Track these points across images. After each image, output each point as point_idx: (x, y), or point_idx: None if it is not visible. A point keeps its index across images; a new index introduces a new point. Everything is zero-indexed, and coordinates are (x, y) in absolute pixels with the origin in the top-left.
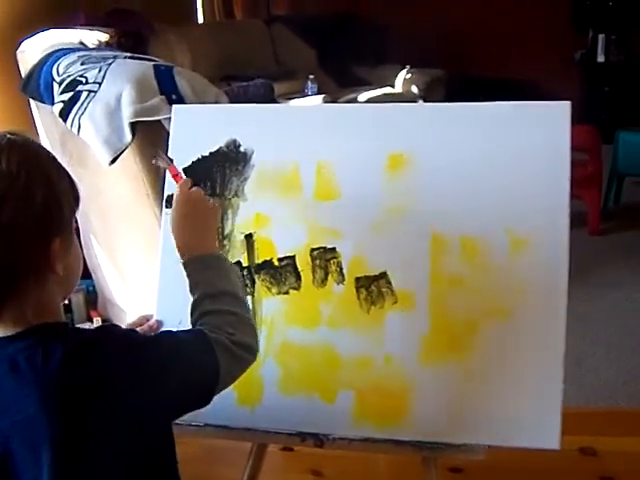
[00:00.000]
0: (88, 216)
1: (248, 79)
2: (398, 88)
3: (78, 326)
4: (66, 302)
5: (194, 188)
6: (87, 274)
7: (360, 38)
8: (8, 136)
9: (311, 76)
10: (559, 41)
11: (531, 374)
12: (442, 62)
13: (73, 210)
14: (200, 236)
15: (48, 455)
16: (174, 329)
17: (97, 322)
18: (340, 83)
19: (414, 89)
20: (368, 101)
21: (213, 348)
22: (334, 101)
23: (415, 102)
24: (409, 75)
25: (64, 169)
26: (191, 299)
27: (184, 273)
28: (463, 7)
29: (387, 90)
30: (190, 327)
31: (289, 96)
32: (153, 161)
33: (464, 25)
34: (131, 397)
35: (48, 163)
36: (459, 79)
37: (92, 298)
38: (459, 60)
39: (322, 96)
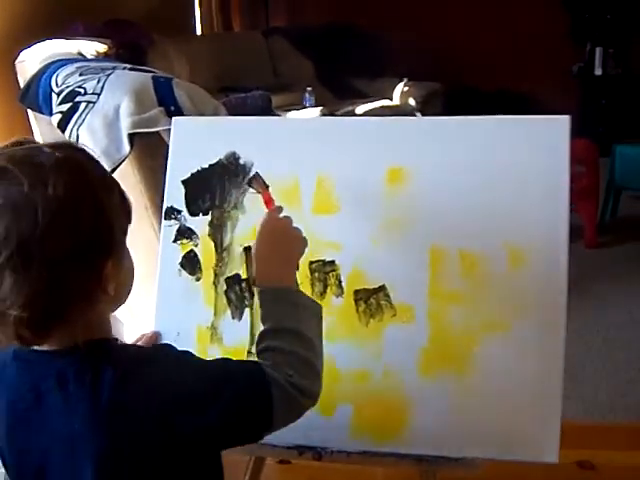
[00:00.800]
0: None
1: (246, 91)
2: (396, 101)
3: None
4: None
5: (282, 216)
6: None
7: (358, 50)
8: (56, 155)
9: (309, 88)
10: (557, 54)
11: (530, 388)
12: (440, 75)
13: (124, 227)
14: (280, 267)
15: (90, 471)
16: (172, 342)
17: None
18: (338, 95)
19: (412, 102)
20: (366, 114)
21: (269, 387)
22: (332, 113)
23: (413, 115)
24: (407, 88)
25: (115, 183)
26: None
27: (256, 302)
28: (461, 20)
29: (385, 103)
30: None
31: (287, 108)
32: (246, 183)
33: (462, 38)
34: (177, 420)
35: (96, 181)
36: (457, 92)
37: None
38: (457, 73)
39: (320, 108)
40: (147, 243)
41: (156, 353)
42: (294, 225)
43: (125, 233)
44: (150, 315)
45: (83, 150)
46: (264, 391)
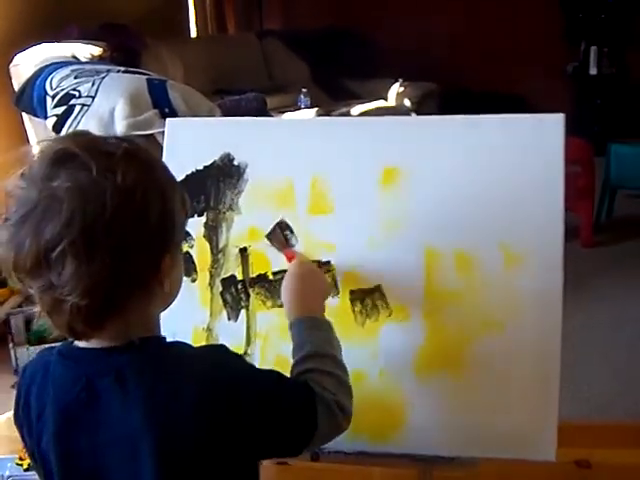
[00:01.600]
0: None
1: (240, 93)
2: (391, 102)
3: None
4: None
5: (307, 262)
6: None
7: (353, 51)
8: (124, 145)
9: (304, 90)
10: (551, 54)
11: (527, 387)
12: (435, 76)
13: (184, 224)
14: (310, 301)
15: (149, 471)
16: None
17: None
18: (333, 97)
19: (407, 102)
20: (361, 115)
21: (315, 402)
22: (327, 115)
23: (408, 115)
24: (402, 89)
25: (176, 181)
26: (293, 359)
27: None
28: (456, 21)
29: (380, 104)
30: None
31: (282, 110)
32: (265, 237)
33: (457, 38)
34: (228, 421)
35: (163, 177)
36: (452, 92)
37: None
38: (452, 73)
39: (315, 110)
40: None
41: (211, 352)
42: (319, 271)
43: (184, 229)
44: None
45: (145, 148)
46: (311, 404)
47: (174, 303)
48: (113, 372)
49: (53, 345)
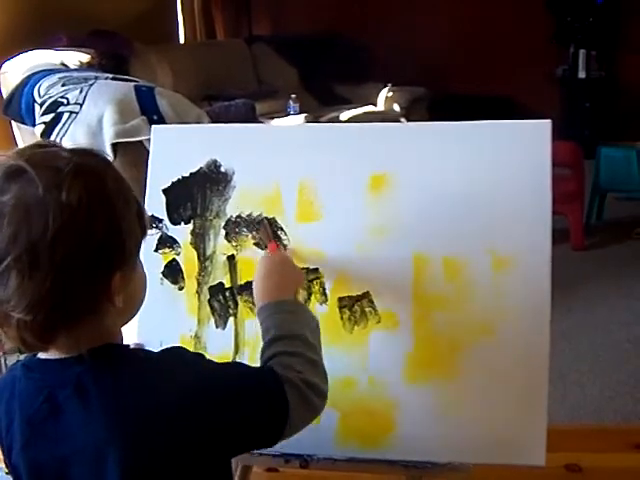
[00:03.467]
0: None
1: (229, 99)
2: (380, 107)
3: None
4: None
5: (282, 252)
6: None
7: (342, 57)
8: (74, 161)
9: (293, 95)
10: (540, 57)
11: (516, 391)
12: (424, 80)
13: (138, 241)
14: (278, 290)
15: (116, 478)
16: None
17: None
18: (322, 102)
19: (396, 107)
20: (350, 120)
21: (282, 385)
22: (316, 120)
23: (397, 121)
24: (391, 93)
25: (132, 196)
26: (261, 344)
27: (257, 322)
28: (444, 25)
29: (369, 109)
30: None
31: (271, 115)
32: (255, 232)
33: (445, 43)
34: (195, 421)
35: (114, 192)
36: (441, 97)
37: None
38: (441, 78)
39: (304, 115)
40: None
41: (170, 355)
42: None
43: (138, 246)
44: (132, 325)
45: (104, 159)
46: (279, 389)
47: (160, 311)
48: (73, 383)
49: (18, 360)
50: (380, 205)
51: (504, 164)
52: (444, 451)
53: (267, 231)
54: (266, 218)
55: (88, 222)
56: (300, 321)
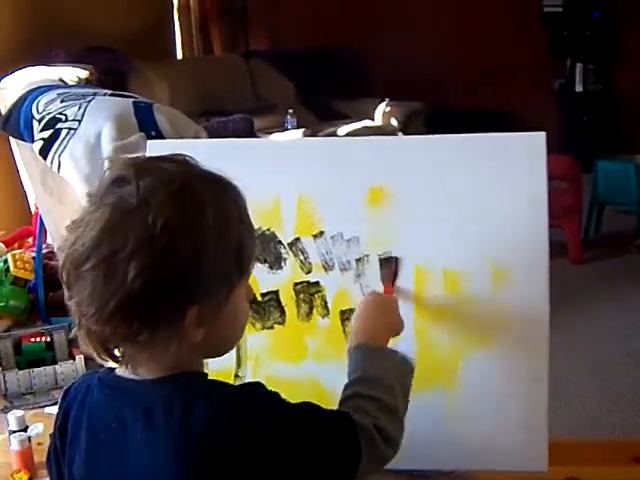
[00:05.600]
0: None
1: (227, 114)
2: (377, 121)
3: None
4: (48, 340)
5: (389, 296)
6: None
7: (339, 72)
8: (181, 181)
9: (290, 110)
10: (537, 71)
11: (516, 401)
12: (421, 94)
13: (232, 278)
14: (380, 331)
15: None
16: None
17: (79, 360)
18: (320, 117)
19: (393, 122)
20: (348, 134)
21: (357, 433)
22: (314, 135)
23: (395, 135)
24: (388, 108)
25: (235, 232)
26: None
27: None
28: (440, 39)
29: (366, 123)
30: None
31: (269, 130)
32: (380, 267)
33: (442, 57)
34: (258, 465)
35: (210, 224)
36: (438, 111)
37: (74, 336)
38: (438, 92)
39: (302, 130)
40: None
41: (247, 391)
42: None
43: (231, 284)
44: None
45: (223, 186)
46: (352, 435)
47: None
48: (144, 407)
49: (97, 370)
50: (379, 218)
51: (500, 176)
52: (448, 459)
53: (392, 270)
54: (395, 258)
55: (167, 248)
56: (387, 365)
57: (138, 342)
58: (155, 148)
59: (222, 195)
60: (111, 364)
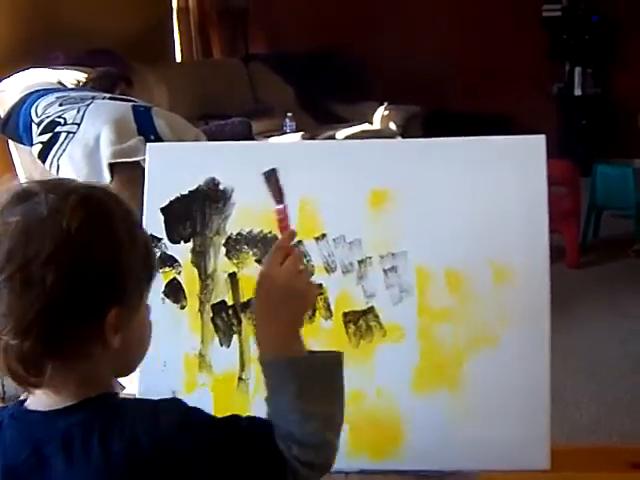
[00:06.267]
0: None
1: (226, 117)
2: (376, 125)
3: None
4: None
5: (290, 257)
6: None
7: (338, 75)
8: (84, 191)
9: (289, 114)
10: (536, 75)
11: (519, 398)
12: (419, 98)
13: (141, 283)
14: (283, 330)
15: None
16: (158, 372)
17: None
18: (318, 120)
19: (392, 126)
20: (346, 138)
21: (283, 460)
22: (312, 138)
23: (393, 138)
24: (387, 112)
25: (142, 238)
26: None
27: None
28: (439, 43)
29: (365, 127)
30: None
31: (267, 134)
32: (263, 176)
33: (440, 61)
34: (189, 472)
35: (119, 228)
36: (436, 115)
37: None
38: (436, 96)
39: (300, 134)
40: None
41: (164, 406)
42: (301, 267)
43: (142, 289)
44: None
45: (118, 198)
46: (273, 455)
47: (163, 331)
48: (59, 437)
49: (6, 405)
50: (381, 220)
51: (500, 178)
52: (452, 459)
53: (276, 186)
54: (275, 169)
55: (85, 249)
56: (304, 383)
57: (59, 355)
58: (155, 151)
59: (124, 205)
60: (24, 395)
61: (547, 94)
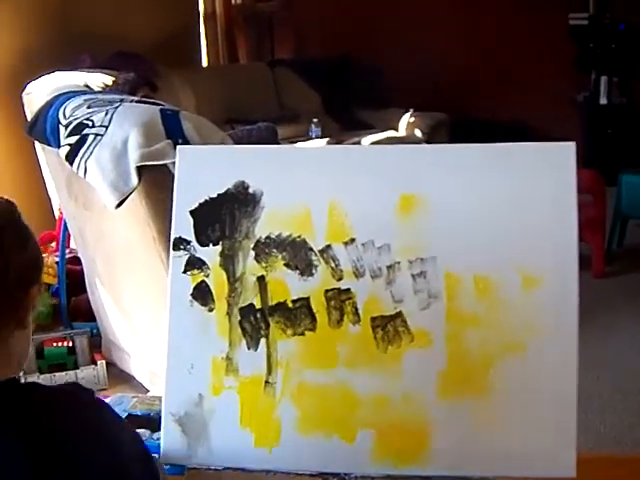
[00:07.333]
0: (93, 259)
1: (252, 122)
2: (402, 132)
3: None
4: (70, 344)
5: None
6: (91, 317)
7: (363, 81)
8: None
9: (315, 119)
10: (562, 84)
11: (546, 405)
12: (445, 106)
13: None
14: None
15: None
16: (186, 374)
17: (101, 365)
18: (344, 127)
19: (418, 133)
20: (372, 145)
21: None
22: (338, 144)
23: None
24: (412, 119)
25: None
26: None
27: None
28: (465, 50)
29: (391, 134)
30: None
31: (293, 139)
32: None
33: (466, 68)
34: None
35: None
36: (462, 122)
37: (96, 341)
38: (462, 103)
39: (326, 140)
40: (155, 274)
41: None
42: None
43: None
44: (161, 347)
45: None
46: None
47: (191, 333)
48: None
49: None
50: (410, 225)
51: (530, 185)
52: (477, 465)
53: None
54: None
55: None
56: None
57: None
58: (185, 154)
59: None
60: None
61: (573, 103)
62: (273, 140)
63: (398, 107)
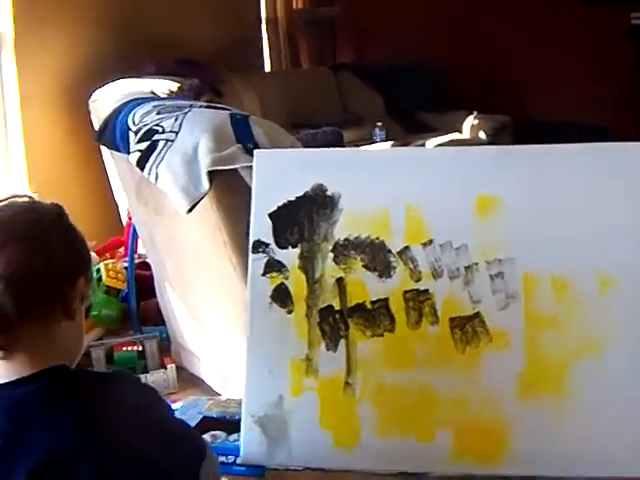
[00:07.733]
0: (163, 263)
1: (316, 127)
2: (465, 134)
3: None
4: (139, 349)
5: None
6: (161, 321)
7: (426, 84)
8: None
9: (379, 123)
10: (623, 84)
11: (625, 406)
12: (508, 107)
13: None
14: None
15: None
16: (265, 375)
17: (171, 368)
18: (407, 130)
19: (482, 135)
20: (437, 147)
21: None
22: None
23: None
24: (476, 121)
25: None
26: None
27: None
28: (527, 53)
29: (455, 136)
30: None
31: (357, 143)
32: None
33: (529, 70)
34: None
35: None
36: (526, 124)
37: (165, 345)
38: (525, 105)
39: (390, 143)
40: (225, 279)
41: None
42: None
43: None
44: (231, 351)
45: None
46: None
47: (270, 335)
48: (32, 400)
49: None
50: (488, 226)
51: (605, 187)
52: (556, 465)
53: None
54: None
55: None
56: None
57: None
58: (263, 157)
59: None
60: None
61: (635, 104)
62: (339, 144)
63: (461, 109)
